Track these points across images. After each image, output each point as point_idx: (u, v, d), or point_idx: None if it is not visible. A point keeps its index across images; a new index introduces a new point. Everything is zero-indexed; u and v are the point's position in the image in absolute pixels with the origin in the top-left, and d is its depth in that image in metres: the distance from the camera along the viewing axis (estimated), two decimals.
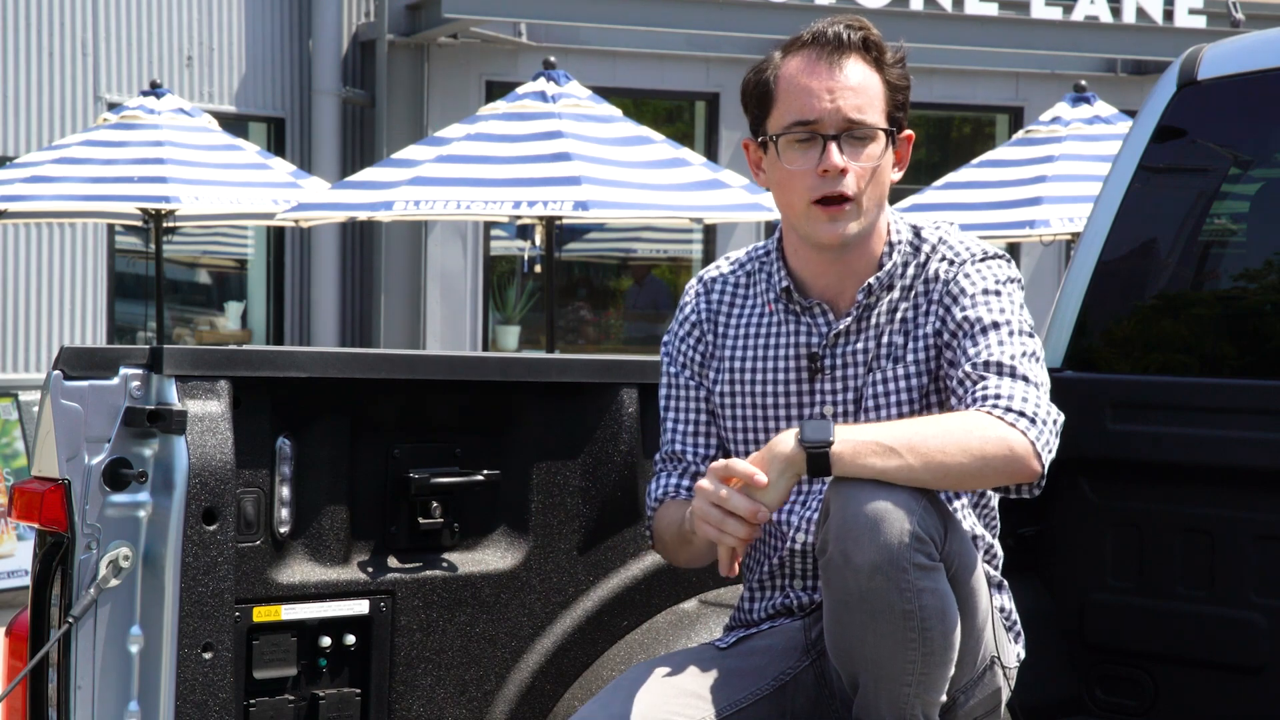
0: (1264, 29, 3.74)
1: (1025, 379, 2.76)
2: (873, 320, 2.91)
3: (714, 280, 3.05)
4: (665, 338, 3.06)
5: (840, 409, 2.90)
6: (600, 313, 16.66)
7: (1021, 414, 2.71)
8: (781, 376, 2.94)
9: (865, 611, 2.63)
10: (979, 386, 2.76)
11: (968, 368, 2.79)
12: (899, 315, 2.90)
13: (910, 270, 2.92)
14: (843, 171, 2.83)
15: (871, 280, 2.90)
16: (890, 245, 2.93)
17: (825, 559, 2.66)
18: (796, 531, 2.92)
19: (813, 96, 2.85)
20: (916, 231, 2.95)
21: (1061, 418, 2.77)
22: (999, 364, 2.77)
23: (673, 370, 3.03)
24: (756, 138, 2.93)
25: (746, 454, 2.87)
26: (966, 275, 2.88)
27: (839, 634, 2.70)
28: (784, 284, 2.95)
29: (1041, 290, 14.81)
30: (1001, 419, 2.70)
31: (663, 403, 3.04)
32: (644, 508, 3.09)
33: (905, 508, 2.61)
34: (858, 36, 2.86)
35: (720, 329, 3.01)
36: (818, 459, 2.63)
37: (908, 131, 2.93)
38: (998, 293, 2.86)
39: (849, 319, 2.91)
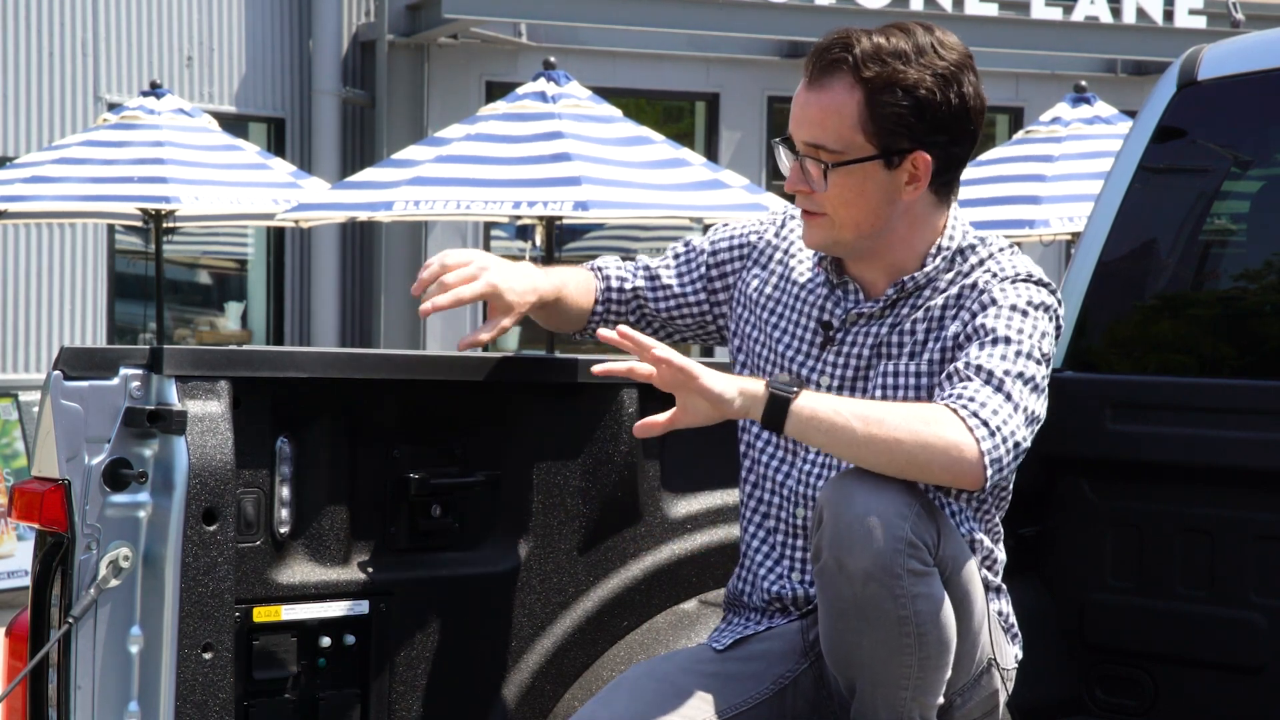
0: (1264, 29, 3.73)
1: (1008, 396, 2.70)
2: (899, 312, 2.90)
3: (792, 218, 3.07)
4: (711, 233, 3.13)
5: (835, 383, 2.91)
6: None
7: (984, 423, 2.66)
8: (797, 331, 2.96)
9: (860, 618, 2.63)
10: (958, 385, 2.72)
11: (960, 365, 2.76)
12: (927, 314, 2.88)
13: (949, 276, 2.89)
14: (807, 190, 2.85)
15: (906, 278, 2.90)
16: (940, 248, 2.90)
17: (819, 566, 2.66)
18: (796, 482, 2.94)
19: (790, 114, 2.88)
20: (973, 244, 2.91)
21: (1026, 445, 2.72)
22: (989, 372, 2.73)
23: (697, 244, 3.13)
24: None
25: None
26: (1002, 289, 2.83)
27: (835, 640, 2.70)
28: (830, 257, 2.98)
29: None
30: (963, 420, 2.66)
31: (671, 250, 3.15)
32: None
33: (898, 513, 2.61)
34: (839, 55, 2.79)
35: (773, 261, 3.04)
36: (779, 401, 2.65)
37: (917, 153, 2.80)
38: (1024, 313, 2.81)
39: (875, 305, 2.91)
